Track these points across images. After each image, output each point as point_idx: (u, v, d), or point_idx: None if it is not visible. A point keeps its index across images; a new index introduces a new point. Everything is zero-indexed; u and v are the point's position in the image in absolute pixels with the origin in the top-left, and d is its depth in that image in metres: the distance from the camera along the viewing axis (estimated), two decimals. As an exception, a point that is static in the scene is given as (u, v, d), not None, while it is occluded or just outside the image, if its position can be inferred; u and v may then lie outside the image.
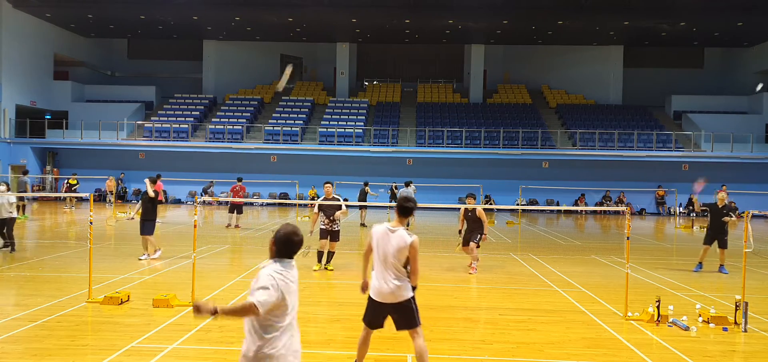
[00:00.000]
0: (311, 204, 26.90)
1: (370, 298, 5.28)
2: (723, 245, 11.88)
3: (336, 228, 11.02)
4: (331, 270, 11.09)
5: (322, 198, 11.23)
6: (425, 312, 8.11)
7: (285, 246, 3.65)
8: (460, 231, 11.74)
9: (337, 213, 10.86)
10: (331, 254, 11.17)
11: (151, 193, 11.96)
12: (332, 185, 11.33)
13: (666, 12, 29.21)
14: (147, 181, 12.21)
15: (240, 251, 14.14)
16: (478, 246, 11.27)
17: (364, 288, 5.41)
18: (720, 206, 11.92)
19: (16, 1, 29.75)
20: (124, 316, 7.54)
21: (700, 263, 12.13)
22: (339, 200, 11.08)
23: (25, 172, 22.70)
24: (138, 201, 12.37)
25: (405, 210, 5.24)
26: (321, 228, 10.98)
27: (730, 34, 33.03)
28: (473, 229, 11.22)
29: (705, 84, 36.57)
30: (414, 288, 5.21)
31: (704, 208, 12.60)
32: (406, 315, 5.16)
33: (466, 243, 11.38)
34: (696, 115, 32.88)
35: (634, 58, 37.23)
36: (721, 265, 11.97)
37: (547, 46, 37.02)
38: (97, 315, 7.59)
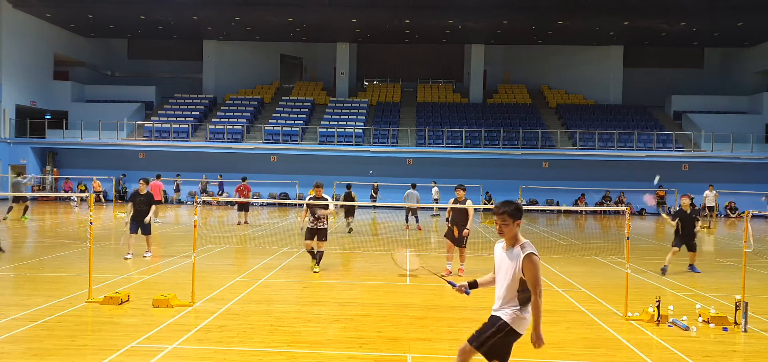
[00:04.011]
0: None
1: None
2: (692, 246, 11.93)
3: (322, 227, 10.86)
4: (317, 271, 10.83)
5: (311, 197, 11.01)
6: (425, 312, 8.14)
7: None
8: (447, 219, 11.67)
9: (325, 212, 10.79)
10: (320, 254, 10.99)
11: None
12: (321, 186, 11.03)
13: (666, 12, 29.20)
14: (141, 181, 12.70)
15: (240, 251, 14.13)
16: (464, 246, 11.17)
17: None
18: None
19: (16, 1, 29.75)
20: (124, 316, 7.54)
21: None
22: (327, 200, 10.91)
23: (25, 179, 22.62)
24: (128, 202, 12.75)
25: None
26: (308, 228, 10.87)
27: (730, 34, 33.03)
28: (457, 221, 11.03)
29: (705, 84, 36.57)
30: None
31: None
32: None
33: (451, 238, 11.13)
34: (696, 115, 32.86)
35: (634, 58, 37.22)
36: (691, 264, 12.02)
37: (547, 46, 37.01)
38: (97, 315, 7.58)
